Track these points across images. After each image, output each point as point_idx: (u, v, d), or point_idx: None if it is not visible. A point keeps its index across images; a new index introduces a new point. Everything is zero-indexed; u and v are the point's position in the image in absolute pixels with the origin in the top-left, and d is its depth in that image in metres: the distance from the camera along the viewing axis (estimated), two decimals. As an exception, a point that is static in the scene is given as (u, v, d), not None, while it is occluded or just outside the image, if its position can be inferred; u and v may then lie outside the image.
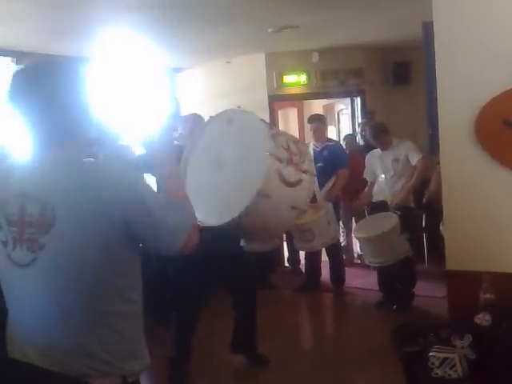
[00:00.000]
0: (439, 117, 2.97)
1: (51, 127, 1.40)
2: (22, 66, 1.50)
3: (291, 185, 2.43)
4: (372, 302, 4.97)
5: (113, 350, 1.40)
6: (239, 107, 4.07)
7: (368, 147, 5.64)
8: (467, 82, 2.85)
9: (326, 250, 5.31)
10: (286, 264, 6.51)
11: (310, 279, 5.64)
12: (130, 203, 1.36)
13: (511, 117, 2.75)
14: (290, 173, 2.42)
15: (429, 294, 4.84)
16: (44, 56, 5.76)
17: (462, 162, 2.92)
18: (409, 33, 5.57)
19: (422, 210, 5.53)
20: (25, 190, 1.38)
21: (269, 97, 7.21)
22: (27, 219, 1.37)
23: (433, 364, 2.27)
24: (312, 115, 5.93)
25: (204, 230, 2.39)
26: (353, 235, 5.60)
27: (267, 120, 6.79)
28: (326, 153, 5.41)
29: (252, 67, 7.20)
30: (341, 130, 8.37)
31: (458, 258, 2.94)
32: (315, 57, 7.09)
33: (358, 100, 7.58)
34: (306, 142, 7.25)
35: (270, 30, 5.84)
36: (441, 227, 3.71)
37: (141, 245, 1.49)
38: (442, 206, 3.07)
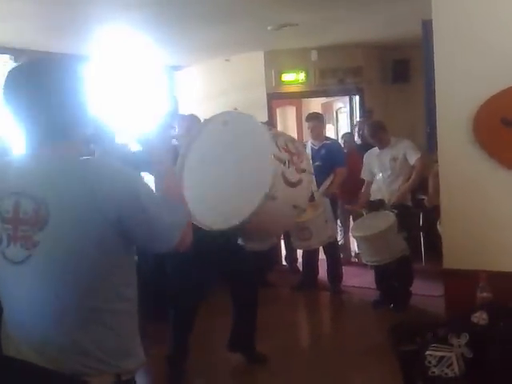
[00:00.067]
0: (437, 115, 2.97)
1: (45, 125, 1.39)
2: (17, 64, 1.49)
3: (293, 185, 2.44)
4: (369, 301, 4.97)
5: (107, 348, 1.40)
6: (236, 109, 4.07)
7: (365, 146, 5.64)
8: (466, 80, 2.84)
9: (324, 248, 5.31)
10: (284, 262, 6.51)
11: (307, 278, 5.64)
12: (125, 200, 1.36)
13: (509, 115, 2.75)
14: (292, 173, 2.44)
15: (426, 292, 4.84)
16: (42, 54, 5.75)
17: (460, 161, 2.92)
18: (407, 31, 5.58)
19: (419, 208, 5.54)
20: (20, 187, 1.38)
21: (267, 95, 7.21)
22: (21, 216, 1.36)
23: (430, 363, 2.27)
24: (310, 113, 5.92)
25: (202, 228, 2.40)
26: (350, 234, 5.60)
27: (266, 118, 6.84)
28: (323, 151, 5.40)
29: (251, 65, 7.20)
30: (339, 128, 8.37)
31: (455, 256, 2.94)
32: (314, 55, 7.09)
33: (357, 98, 7.58)
34: (304, 140, 7.27)
35: (269, 28, 5.84)
36: (438, 226, 3.71)
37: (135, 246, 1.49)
38: (439, 204, 3.07)
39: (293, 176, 2.43)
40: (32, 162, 1.41)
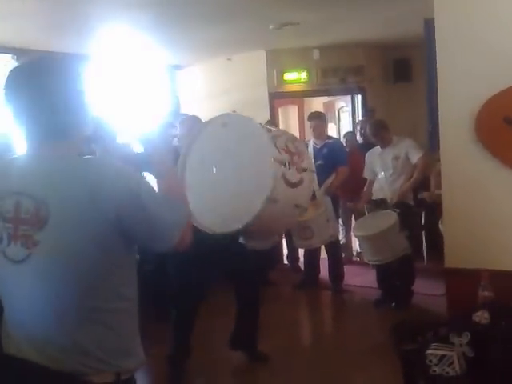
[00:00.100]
0: (439, 114, 2.97)
1: (45, 125, 1.40)
2: (18, 64, 1.50)
3: (294, 185, 2.44)
4: (371, 300, 4.97)
5: (107, 348, 1.40)
6: (234, 111, 4.07)
7: (367, 145, 5.64)
8: (468, 79, 2.84)
9: (325, 247, 5.31)
10: (285, 261, 6.51)
11: (308, 277, 5.65)
12: (126, 200, 1.36)
13: None
14: (293, 174, 2.44)
15: (427, 291, 4.84)
16: (44, 53, 5.75)
17: (463, 160, 2.92)
18: (409, 30, 5.57)
19: (421, 207, 5.53)
20: (20, 187, 1.38)
21: (269, 94, 7.21)
22: (22, 216, 1.37)
23: (431, 361, 2.27)
24: (312, 113, 5.92)
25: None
26: (352, 233, 5.60)
27: (268, 117, 6.84)
28: (325, 150, 5.40)
29: (252, 64, 7.19)
30: (341, 127, 8.36)
31: (457, 255, 2.94)
32: (316, 54, 7.09)
33: (359, 97, 7.58)
34: (306, 139, 7.26)
35: (270, 27, 5.83)
36: (440, 225, 3.71)
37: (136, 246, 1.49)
38: (441, 203, 3.07)
39: (293, 176, 2.43)
40: (33, 162, 1.41)
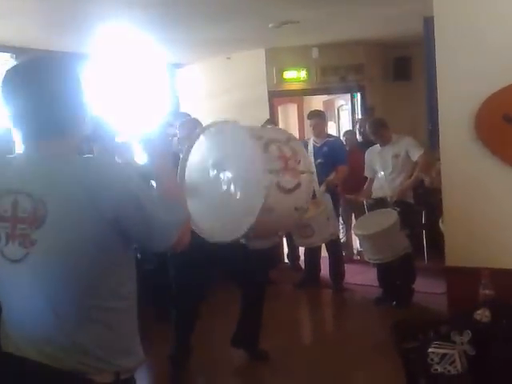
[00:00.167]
0: (439, 112, 2.97)
1: (42, 124, 1.39)
2: (15, 64, 1.50)
3: (291, 191, 2.43)
4: (371, 298, 4.97)
5: (106, 347, 1.40)
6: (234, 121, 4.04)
7: (367, 143, 5.63)
8: (468, 77, 2.84)
9: (326, 246, 5.31)
10: (286, 260, 6.52)
11: (309, 275, 5.65)
12: (124, 200, 1.36)
13: (511, 112, 2.74)
14: (288, 180, 2.42)
15: (428, 290, 4.84)
16: (43, 52, 5.74)
17: (462, 158, 2.92)
18: (409, 28, 5.56)
19: (421, 206, 5.53)
20: (18, 185, 1.38)
21: (269, 92, 7.20)
22: (20, 215, 1.36)
23: (432, 360, 2.28)
24: (312, 111, 5.92)
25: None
26: (352, 232, 5.60)
27: (267, 116, 6.84)
28: (325, 149, 5.40)
29: (252, 63, 7.19)
30: (341, 125, 8.36)
31: (457, 254, 2.94)
32: (315, 52, 7.08)
33: (358, 96, 7.57)
34: (306, 137, 7.26)
35: (270, 26, 5.83)
36: (440, 223, 3.71)
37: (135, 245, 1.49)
38: (441, 201, 3.07)
39: (289, 183, 2.41)
40: (31, 161, 1.41)
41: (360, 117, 7.45)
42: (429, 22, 3.50)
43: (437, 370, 2.26)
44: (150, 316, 4.18)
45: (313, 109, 6.72)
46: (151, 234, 1.42)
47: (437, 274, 4.26)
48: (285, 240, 6.15)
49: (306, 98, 9.25)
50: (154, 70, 7.57)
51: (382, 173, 4.96)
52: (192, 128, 3.59)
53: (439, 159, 3.10)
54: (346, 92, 7.70)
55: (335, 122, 8.53)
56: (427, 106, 4.71)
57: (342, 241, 6.00)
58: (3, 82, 1.41)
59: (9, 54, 5.80)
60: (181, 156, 2.71)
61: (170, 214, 1.44)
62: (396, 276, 4.82)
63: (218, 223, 2.53)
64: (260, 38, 6.42)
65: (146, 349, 1.55)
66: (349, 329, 4.59)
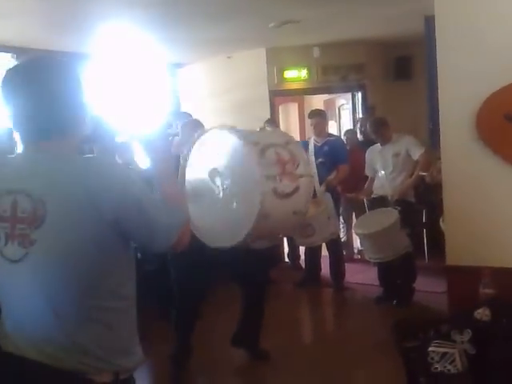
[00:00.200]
0: (440, 111, 2.97)
1: (42, 124, 1.40)
2: (14, 64, 1.50)
3: (288, 196, 2.41)
4: (372, 297, 4.97)
5: (106, 347, 1.40)
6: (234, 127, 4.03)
7: (368, 142, 5.63)
8: (468, 76, 2.84)
9: (326, 245, 5.31)
10: (286, 259, 6.52)
11: (309, 274, 5.65)
12: (124, 200, 1.36)
13: (512, 111, 2.74)
14: (285, 185, 2.40)
15: (429, 289, 4.84)
16: (44, 52, 5.75)
17: (463, 158, 2.92)
18: (410, 27, 5.57)
19: (422, 205, 5.53)
20: (17, 185, 1.38)
21: (269, 92, 7.20)
22: (19, 215, 1.37)
23: (432, 359, 2.28)
24: (312, 110, 5.91)
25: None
26: (353, 231, 5.60)
27: (268, 115, 6.84)
28: (326, 148, 5.40)
29: (253, 62, 7.19)
30: (341, 125, 8.36)
31: (458, 253, 2.94)
32: (316, 52, 7.08)
33: (359, 95, 7.57)
34: (307, 137, 7.26)
35: (270, 25, 5.83)
36: (441, 222, 3.71)
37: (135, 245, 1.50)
38: (441, 200, 3.07)
39: (286, 187, 2.39)
40: (30, 161, 1.41)
41: (361, 116, 7.45)
42: (430, 21, 3.51)
43: (437, 368, 2.27)
44: (151, 316, 4.18)
45: (314, 108, 6.71)
46: (152, 236, 1.43)
47: (437, 272, 4.26)
48: (285, 239, 6.15)
49: (307, 97, 9.25)
50: (154, 70, 7.58)
51: (383, 172, 4.96)
52: (194, 129, 3.59)
53: (440, 158, 3.10)
54: (346, 91, 7.70)
55: (336, 122, 8.54)
56: (428, 106, 4.71)
57: (342, 240, 6.00)
58: (3, 81, 1.41)
59: (10, 54, 5.81)
60: (181, 158, 2.72)
61: (171, 215, 1.44)
62: (396, 275, 4.82)
63: (217, 229, 2.54)
64: (261, 37, 6.42)
65: (146, 348, 1.55)
66: (349, 328, 4.59)
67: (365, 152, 5.25)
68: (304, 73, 7.25)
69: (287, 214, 2.46)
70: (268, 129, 4.01)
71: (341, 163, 5.33)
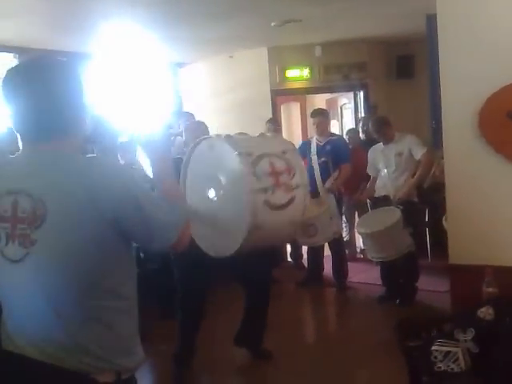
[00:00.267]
0: (442, 110, 2.96)
1: (42, 123, 1.40)
2: (15, 64, 1.50)
3: (283, 207, 2.40)
4: (375, 297, 4.96)
5: (107, 346, 1.40)
6: (242, 133, 4.00)
7: (370, 141, 5.63)
8: (471, 74, 2.83)
9: (329, 244, 5.31)
10: (289, 259, 6.52)
11: (312, 274, 5.64)
12: (124, 200, 1.36)
13: (515, 110, 2.73)
14: (279, 197, 2.38)
15: (432, 288, 4.83)
16: (45, 52, 5.75)
17: (466, 157, 2.91)
18: (412, 26, 5.56)
19: (424, 204, 5.52)
20: (18, 185, 1.38)
21: (271, 91, 7.20)
22: (19, 215, 1.37)
23: (436, 358, 2.27)
24: (315, 110, 5.91)
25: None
26: (355, 230, 5.59)
27: (270, 115, 6.83)
28: (328, 147, 5.40)
29: (255, 61, 7.19)
30: (344, 124, 8.35)
31: (461, 252, 2.94)
32: (318, 51, 7.07)
33: (361, 94, 7.56)
34: (309, 136, 7.26)
35: (272, 24, 5.83)
36: (443, 221, 3.70)
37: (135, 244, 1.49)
38: (444, 199, 3.07)
39: (280, 199, 2.38)
40: (31, 161, 1.41)
41: (363, 115, 7.44)
42: (432, 20, 3.50)
43: (440, 367, 2.26)
44: (153, 315, 4.19)
45: (316, 107, 6.72)
46: (151, 235, 1.42)
47: (440, 272, 4.25)
48: (288, 239, 6.14)
49: (309, 96, 9.25)
50: (156, 69, 7.58)
51: (385, 171, 4.95)
52: (197, 131, 3.59)
53: (443, 157, 3.10)
54: (348, 90, 7.70)
55: (338, 121, 8.53)
56: (430, 104, 4.71)
57: (345, 239, 5.99)
58: (4, 81, 1.41)
59: (12, 54, 5.82)
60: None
61: (170, 214, 1.44)
62: (399, 274, 4.82)
63: (212, 238, 2.54)
64: (263, 36, 6.41)
65: (147, 348, 1.55)
66: (352, 327, 4.59)
67: (367, 151, 5.24)
68: (306, 72, 7.25)
69: (283, 224, 2.45)
70: (268, 134, 3.96)
71: (343, 162, 5.33)
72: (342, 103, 8.39)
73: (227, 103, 7.18)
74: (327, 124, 5.70)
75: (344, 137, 6.61)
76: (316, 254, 5.55)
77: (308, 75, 7.26)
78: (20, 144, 1.45)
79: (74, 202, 1.33)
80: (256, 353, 3.79)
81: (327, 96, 8.59)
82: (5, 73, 1.43)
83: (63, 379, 1.37)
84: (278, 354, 3.79)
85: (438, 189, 4.85)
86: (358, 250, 6.54)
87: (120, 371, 1.43)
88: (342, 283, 5.43)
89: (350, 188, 5.66)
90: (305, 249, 5.93)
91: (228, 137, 2.60)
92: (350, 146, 6.00)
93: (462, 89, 2.87)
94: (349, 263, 5.65)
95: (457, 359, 2.25)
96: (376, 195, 5.03)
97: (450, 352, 2.26)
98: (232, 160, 2.42)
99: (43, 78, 1.39)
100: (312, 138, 5.73)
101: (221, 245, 2.51)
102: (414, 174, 4.84)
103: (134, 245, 1.50)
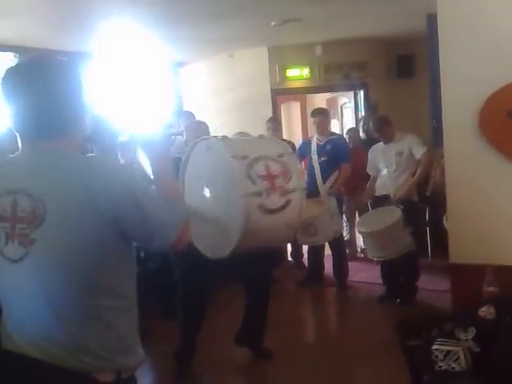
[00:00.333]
0: (443, 110, 2.96)
1: (42, 122, 1.39)
2: (14, 64, 1.50)
3: (277, 211, 2.39)
4: (375, 296, 4.97)
5: (107, 346, 1.40)
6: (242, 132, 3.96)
7: (370, 141, 5.63)
8: (471, 74, 2.83)
9: (329, 243, 5.31)
10: (289, 258, 6.52)
11: (313, 273, 5.65)
12: (123, 199, 1.36)
13: (516, 109, 2.73)
14: (274, 200, 2.37)
15: (432, 287, 4.84)
16: (46, 51, 5.75)
17: (467, 156, 2.91)
18: (412, 25, 5.56)
19: (425, 203, 5.52)
20: (18, 185, 1.38)
21: (271, 90, 7.19)
22: (19, 214, 1.36)
23: (437, 357, 2.27)
24: (315, 109, 5.92)
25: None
26: (356, 229, 5.60)
27: (270, 114, 6.83)
28: (329, 147, 5.40)
29: (255, 61, 7.18)
30: (344, 123, 8.35)
31: (461, 251, 2.94)
32: (318, 50, 7.06)
33: (362, 93, 7.55)
34: (310, 135, 7.25)
35: (272, 24, 5.82)
36: (444, 221, 3.70)
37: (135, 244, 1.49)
38: (445, 199, 3.06)
39: (274, 203, 2.37)
40: (30, 160, 1.41)
41: (363, 114, 7.44)
42: (432, 19, 3.49)
43: (441, 367, 2.26)
44: (153, 315, 4.19)
45: (316, 107, 6.73)
46: (151, 234, 1.43)
47: (441, 271, 4.25)
48: (288, 238, 6.14)
49: (309, 95, 9.25)
50: (156, 69, 7.57)
51: (386, 170, 4.95)
52: (197, 130, 3.59)
53: (443, 156, 3.10)
54: (349, 89, 7.69)
55: (338, 120, 8.52)
56: (431, 103, 4.70)
57: (345, 238, 5.99)
58: (4, 80, 1.41)
59: (12, 54, 5.81)
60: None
61: (170, 213, 1.44)
62: (400, 273, 4.82)
63: (209, 239, 2.54)
64: (263, 35, 6.41)
65: (147, 348, 1.55)
66: (352, 327, 4.59)
67: (367, 151, 5.24)
68: (306, 71, 7.24)
69: (278, 227, 2.44)
70: (267, 135, 3.94)
71: (343, 162, 5.33)
72: (343, 102, 8.39)
73: (227, 102, 7.17)
74: (327, 123, 5.70)
75: (344, 136, 6.61)
76: (316, 253, 5.56)
77: (308, 74, 7.26)
78: (19, 144, 1.45)
79: (73, 202, 1.33)
80: (256, 352, 3.79)
81: (327, 95, 8.59)
82: (4, 72, 1.43)
83: (63, 378, 1.37)
84: (279, 354, 3.79)
85: (438, 192, 4.85)
86: (359, 250, 6.55)
87: (120, 370, 1.43)
88: (342, 282, 5.43)
89: (351, 188, 5.67)
90: (305, 248, 5.93)
91: (224, 138, 2.59)
92: (351, 146, 6.01)
93: (463, 88, 2.87)
94: (349, 262, 5.65)
95: (458, 358, 2.24)
96: (376, 194, 5.03)
97: (450, 351, 2.26)
98: (227, 162, 2.41)
99: (43, 77, 1.39)
100: (312, 137, 5.73)
101: (217, 246, 2.51)
102: (415, 173, 4.84)
103: (135, 244, 1.50)
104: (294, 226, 2.52)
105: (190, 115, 5.00)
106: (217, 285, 3.93)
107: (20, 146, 1.44)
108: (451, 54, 2.89)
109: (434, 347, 2.29)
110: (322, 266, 5.64)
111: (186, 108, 7.23)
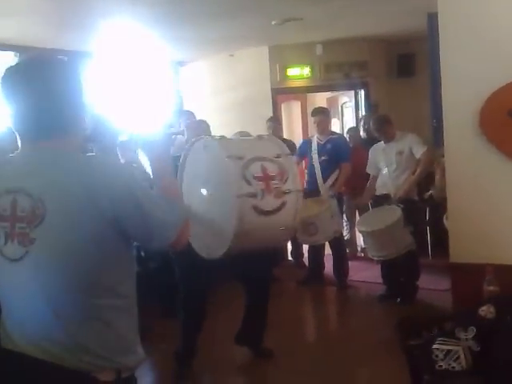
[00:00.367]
0: (443, 109, 2.96)
1: (42, 121, 1.39)
2: (14, 63, 1.50)
3: (272, 213, 2.38)
4: (375, 295, 4.97)
5: (106, 345, 1.40)
6: (243, 131, 3.95)
7: (371, 140, 5.63)
8: (472, 73, 2.83)
9: (330, 243, 5.31)
10: (290, 257, 6.52)
11: (313, 272, 5.65)
12: (123, 199, 1.36)
13: (516, 108, 2.73)
14: (269, 202, 2.36)
15: (432, 286, 4.84)
16: (46, 51, 5.75)
17: (467, 155, 2.91)
18: (413, 24, 5.56)
19: (425, 203, 5.52)
20: (17, 184, 1.38)
21: (272, 90, 7.19)
22: (19, 214, 1.36)
23: (437, 356, 2.27)
24: (316, 108, 5.92)
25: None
26: (356, 228, 5.60)
27: (270, 113, 6.83)
28: (329, 146, 5.40)
29: (255, 60, 7.18)
30: (344, 122, 8.34)
31: (461, 250, 2.94)
32: (319, 49, 7.06)
33: (362, 92, 7.55)
34: (310, 135, 7.25)
35: (273, 23, 5.82)
36: (444, 220, 3.70)
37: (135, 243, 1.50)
38: (445, 198, 3.06)
39: (269, 205, 2.36)
40: (29, 160, 1.41)
41: (364, 114, 7.44)
42: (433, 18, 3.49)
43: (441, 366, 2.26)
44: (154, 314, 4.19)
45: (316, 106, 6.72)
46: (150, 233, 1.43)
47: (441, 270, 4.25)
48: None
49: (310, 95, 9.24)
50: (157, 68, 7.57)
51: (386, 170, 4.95)
52: (198, 129, 3.59)
53: (443, 156, 3.09)
54: (349, 89, 7.68)
55: (339, 119, 8.52)
56: (431, 103, 4.70)
57: (345, 238, 5.99)
58: (4, 79, 1.41)
59: (12, 53, 5.81)
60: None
61: (169, 213, 1.44)
62: (400, 273, 4.82)
63: (205, 239, 2.54)
64: (263, 35, 6.41)
65: (147, 347, 1.55)
66: (353, 326, 4.59)
67: (368, 150, 5.24)
68: (307, 70, 7.24)
69: (274, 229, 2.43)
70: (266, 135, 3.93)
71: (343, 161, 5.33)
72: (343, 102, 8.38)
73: (228, 102, 7.17)
74: (328, 123, 5.70)
75: (345, 135, 6.60)
76: (317, 252, 5.56)
77: (309, 74, 7.25)
78: (19, 143, 1.45)
79: (73, 201, 1.33)
80: (256, 351, 3.80)
81: (328, 94, 8.58)
82: (4, 71, 1.43)
83: (63, 378, 1.37)
84: (279, 353, 3.79)
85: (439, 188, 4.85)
86: (359, 249, 6.55)
87: (120, 369, 1.43)
88: (342, 282, 5.44)
89: (351, 187, 5.67)
90: (305, 247, 5.93)
91: (221, 138, 2.58)
92: (351, 145, 6.00)
93: (463, 87, 2.87)
94: (349, 262, 5.66)
95: (458, 358, 2.24)
96: (377, 194, 5.03)
97: (451, 350, 2.26)
98: (222, 162, 2.41)
99: (43, 76, 1.39)
100: (313, 136, 5.73)
101: (211, 246, 2.51)
102: (415, 172, 4.84)
103: (135, 244, 1.50)
104: (290, 227, 2.51)
105: (191, 114, 5.00)
106: (217, 284, 3.93)
107: (20, 146, 1.44)
108: (452, 53, 2.89)
109: (435, 346, 2.29)
110: (322, 266, 5.64)
111: (186, 107, 7.23)
